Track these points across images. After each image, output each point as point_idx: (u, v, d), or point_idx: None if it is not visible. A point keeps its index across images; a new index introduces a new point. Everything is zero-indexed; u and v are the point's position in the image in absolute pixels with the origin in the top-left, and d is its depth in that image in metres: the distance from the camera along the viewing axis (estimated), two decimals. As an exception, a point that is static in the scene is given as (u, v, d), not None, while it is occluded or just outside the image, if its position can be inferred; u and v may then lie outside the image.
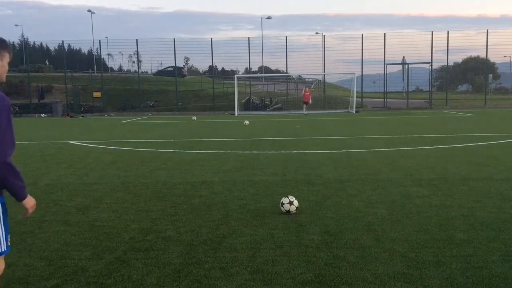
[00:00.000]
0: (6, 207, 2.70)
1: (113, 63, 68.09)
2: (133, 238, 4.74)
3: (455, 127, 17.98)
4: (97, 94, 37.53)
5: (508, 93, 46.32)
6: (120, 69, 70.46)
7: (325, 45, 38.98)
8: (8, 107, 2.58)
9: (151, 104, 37.69)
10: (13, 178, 2.60)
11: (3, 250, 2.68)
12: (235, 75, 34.48)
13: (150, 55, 56.51)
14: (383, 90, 37.52)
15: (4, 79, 2.74)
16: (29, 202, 2.74)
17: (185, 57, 54.81)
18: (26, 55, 45.72)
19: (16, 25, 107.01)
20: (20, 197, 2.69)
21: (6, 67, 2.72)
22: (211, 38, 36.24)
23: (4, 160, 2.52)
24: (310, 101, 30.86)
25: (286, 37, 37.33)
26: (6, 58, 2.71)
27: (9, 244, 2.75)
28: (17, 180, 2.63)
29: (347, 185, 7.14)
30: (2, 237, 2.65)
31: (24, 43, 62.27)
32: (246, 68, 41.99)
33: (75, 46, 71.21)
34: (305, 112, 30.17)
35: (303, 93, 32.08)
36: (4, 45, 2.70)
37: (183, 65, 51.86)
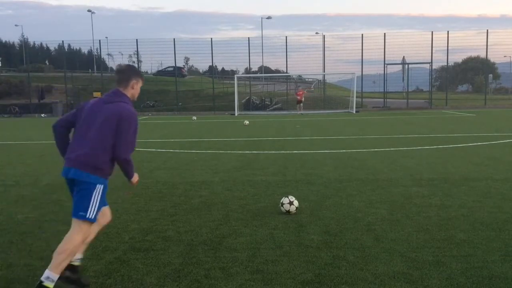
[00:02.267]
0: (107, 188, 3.52)
1: (113, 63, 67.94)
2: (133, 238, 4.74)
3: (455, 127, 17.98)
4: (97, 94, 37.39)
5: (508, 93, 46.34)
6: (120, 69, 70.30)
7: (325, 45, 39.04)
8: (137, 119, 3.54)
9: (151, 104, 37.67)
10: (129, 168, 3.58)
11: (90, 217, 3.37)
12: (235, 75, 34.49)
13: (150, 55, 56.45)
14: (383, 90, 37.51)
15: (135, 98, 3.68)
16: (135, 178, 3.69)
17: (185, 57, 54.81)
18: (26, 55, 45.70)
19: (16, 25, 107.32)
20: (129, 178, 3.66)
21: (139, 90, 3.69)
22: (211, 38, 36.27)
23: (126, 158, 3.48)
24: (303, 99, 30.96)
25: (286, 37, 37.38)
26: (140, 83, 3.67)
27: (98, 216, 3.48)
28: (131, 168, 3.58)
29: (347, 185, 7.14)
30: (95, 207, 3.38)
31: (24, 43, 62.25)
32: (246, 68, 42.00)
33: (75, 46, 71.13)
34: (302, 112, 30.17)
35: (296, 93, 32.23)
36: (138, 73, 3.70)
37: (183, 65, 51.86)
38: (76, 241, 3.36)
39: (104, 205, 3.58)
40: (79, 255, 3.59)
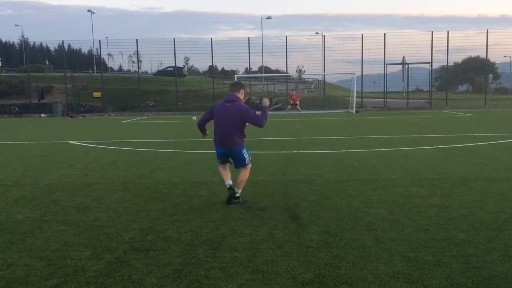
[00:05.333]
0: (246, 148, 6.16)
1: (113, 63, 68.18)
2: (133, 238, 4.74)
3: (455, 127, 17.98)
4: (97, 94, 37.53)
5: (508, 93, 46.34)
6: (120, 69, 70.53)
7: (325, 45, 39.04)
8: (248, 108, 6.00)
9: (151, 104, 37.67)
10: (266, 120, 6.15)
11: (248, 163, 6.11)
12: (235, 75, 34.50)
13: (150, 55, 56.53)
14: (383, 90, 37.53)
15: (244, 98, 6.26)
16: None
17: (185, 57, 54.78)
18: (26, 55, 45.63)
19: (16, 25, 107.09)
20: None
21: (244, 94, 6.14)
22: (211, 38, 36.30)
23: (263, 124, 6.08)
24: (298, 102, 30.64)
25: (286, 37, 37.37)
26: (243, 92, 6.14)
27: (250, 158, 6.14)
28: (266, 119, 6.16)
29: (347, 185, 7.14)
30: (248, 157, 6.10)
31: (24, 43, 62.32)
32: (246, 68, 42.00)
33: (75, 46, 71.12)
34: (301, 113, 30.08)
35: (291, 96, 31.83)
36: (243, 85, 6.35)
37: (183, 65, 51.85)
38: (246, 175, 6.09)
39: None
40: (230, 182, 6.15)
